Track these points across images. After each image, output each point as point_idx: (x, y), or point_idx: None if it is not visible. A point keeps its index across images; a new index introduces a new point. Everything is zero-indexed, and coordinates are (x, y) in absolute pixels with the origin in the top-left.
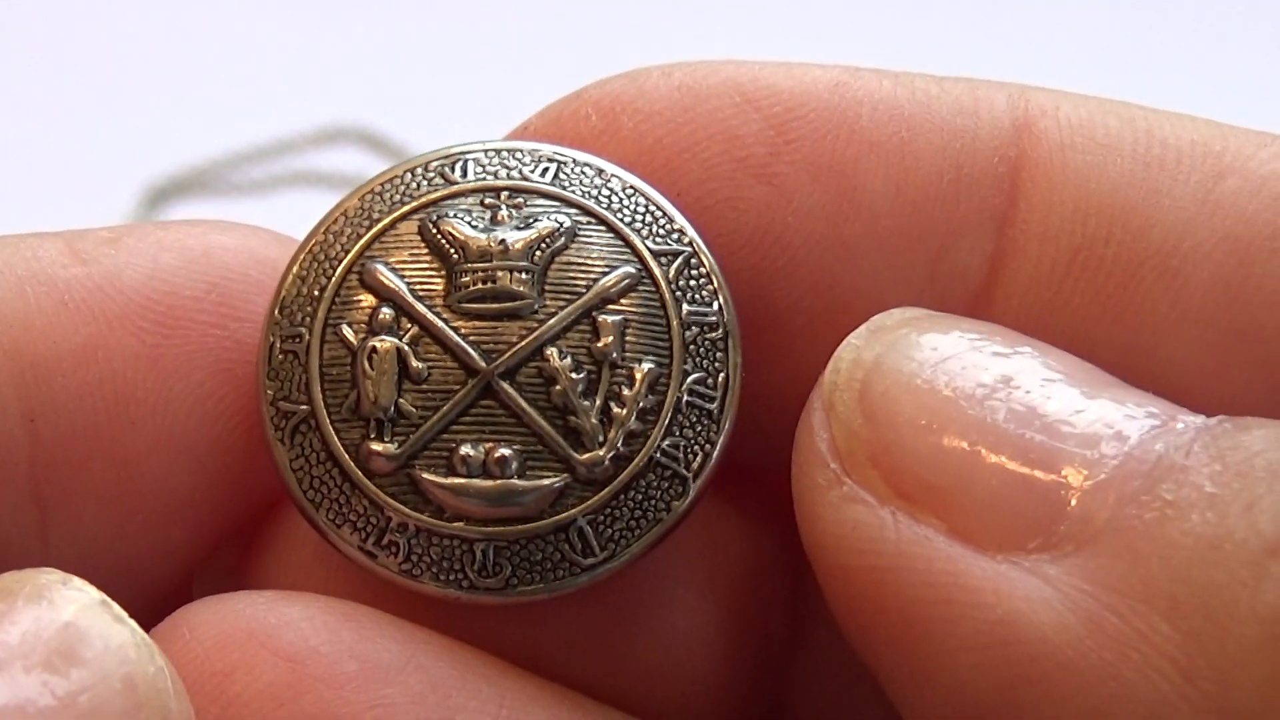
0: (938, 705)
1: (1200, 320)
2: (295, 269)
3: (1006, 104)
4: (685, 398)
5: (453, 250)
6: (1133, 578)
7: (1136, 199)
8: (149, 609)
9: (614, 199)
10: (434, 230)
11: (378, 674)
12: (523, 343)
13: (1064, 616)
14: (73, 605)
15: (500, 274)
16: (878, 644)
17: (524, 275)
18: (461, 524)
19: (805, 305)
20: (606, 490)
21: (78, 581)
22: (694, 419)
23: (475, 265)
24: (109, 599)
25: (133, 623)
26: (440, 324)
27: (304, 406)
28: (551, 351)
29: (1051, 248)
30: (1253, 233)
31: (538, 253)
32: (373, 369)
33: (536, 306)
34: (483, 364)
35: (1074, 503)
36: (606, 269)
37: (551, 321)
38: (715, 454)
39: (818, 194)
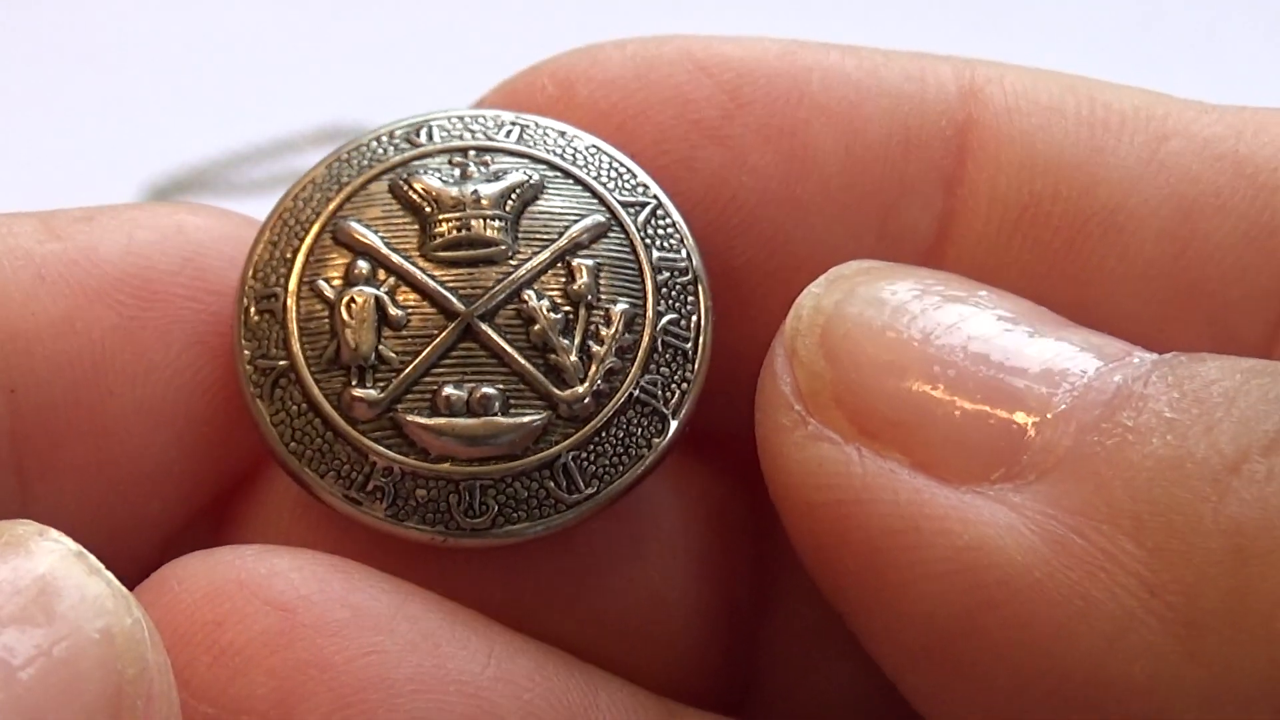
0: (904, 635)
1: (1146, 275)
2: (266, 235)
3: (952, 73)
4: (661, 337)
5: (425, 204)
6: (1097, 500)
7: (1082, 158)
8: (126, 579)
9: (578, 157)
10: (405, 187)
11: (369, 622)
12: (499, 286)
13: (1029, 540)
14: (49, 556)
15: (474, 222)
16: (844, 580)
17: (497, 223)
18: (447, 465)
19: (760, 262)
20: (589, 426)
21: (54, 533)
22: (670, 358)
23: (449, 215)
24: (85, 551)
25: (109, 574)
26: (417, 272)
27: (283, 361)
28: (529, 294)
29: (999, 206)
30: (1197, 190)
31: (509, 202)
32: (352, 318)
33: (511, 253)
34: (461, 307)
35: (1035, 433)
36: (577, 217)
37: (527, 265)
38: (691, 392)
39: (769, 154)
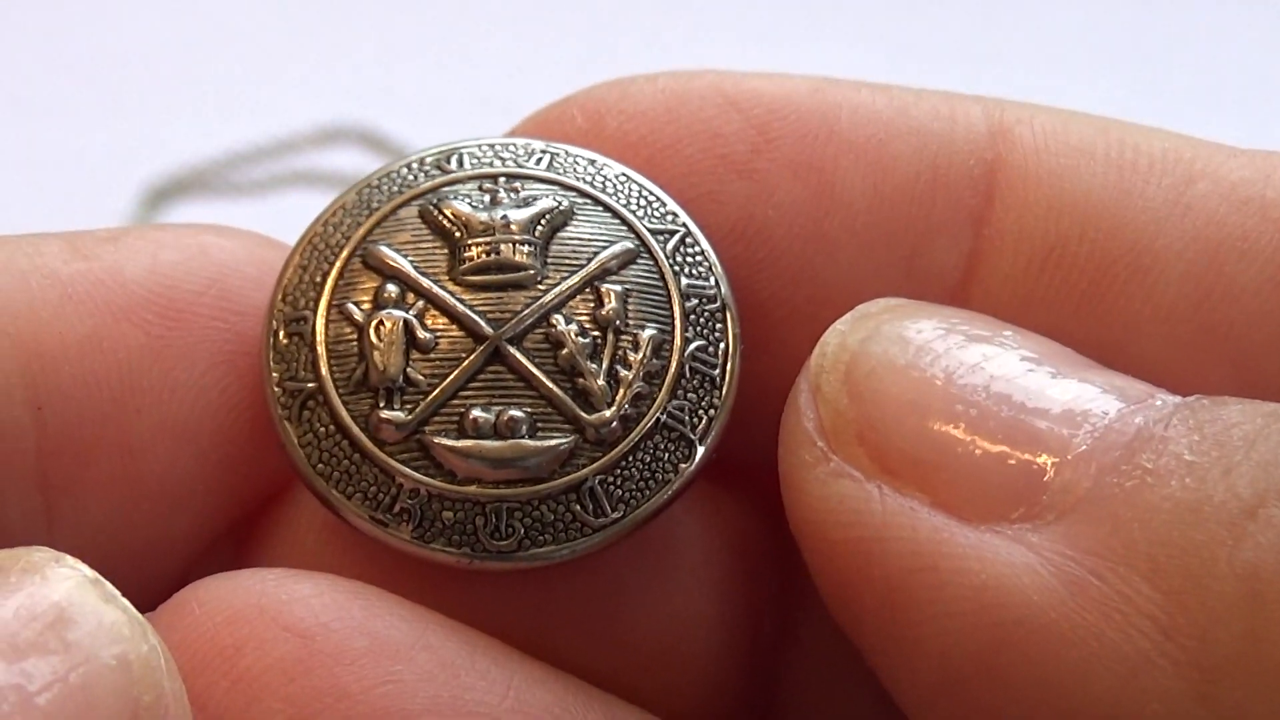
0: (922, 673)
1: (1172, 318)
2: (296, 259)
3: (982, 113)
4: (689, 363)
5: (455, 229)
6: (1114, 542)
7: (1109, 200)
8: (148, 598)
9: (608, 185)
10: (435, 212)
11: (388, 651)
12: (528, 310)
13: (1047, 580)
14: (65, 583)
15: (504, 246)
16: (863, 615)
17: (527, 248)
18: (474, 487)
19: (786, 297)
20: (616, 450)
21: (70, 560)
22: (698, 384)
23: (479, 240)
24: (101, 578)
25: (125, 601)
26: (445, 295)
27: (311, 384)
28: (557, 318)
29: (1026, 246)
30: (1223, 234)
31: (539, 227)
32: (380, 341)
33: (540, 277)
34: (490, 330)
35: (1055, 474)
36: (606, 243)
37: (556, 290)
38: (719, 418)
39: (797, 190)
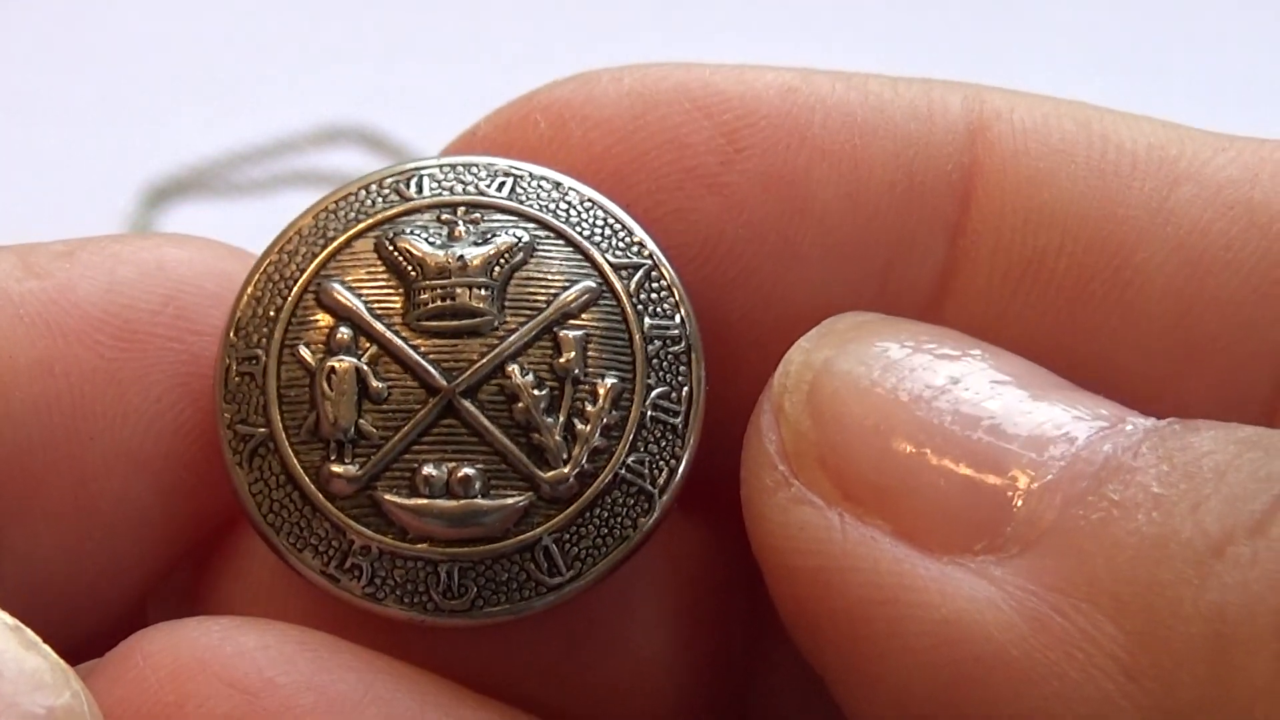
0: (882, 706)
1: (1152, 332)
2: (250, 290)
3: (961, 107)
4: (649, 413)
5: (410, 268)
6: (1078, 578)
7: (1089, 209)
8: (104, 626)
9: (572, 212)
10: (390, 248)
11: (335, 706)
12: (483, 360)
13: (1008, 616)
14: None
15: (459, 290)
16: (824, 645)
17: (483, 291)
18: (425, 545)
19: (757, 316)
20: (572, 508)
21: None
22: (659, 434)
23: (434, 282)
24: (22, 625)
25: (46, 648)
26: (399, 342)
27: (262, 429)
28: (513, 368)
29: (1003, 260)
30: (1206, 243)
31: (497, 268)
32: (331, 389)
33: (497, 323)
34: (444, 382)
35: (1020, 504)
36: (566, 284)
37: (512, 338)
38: (681, 469)
39: (769, 204)
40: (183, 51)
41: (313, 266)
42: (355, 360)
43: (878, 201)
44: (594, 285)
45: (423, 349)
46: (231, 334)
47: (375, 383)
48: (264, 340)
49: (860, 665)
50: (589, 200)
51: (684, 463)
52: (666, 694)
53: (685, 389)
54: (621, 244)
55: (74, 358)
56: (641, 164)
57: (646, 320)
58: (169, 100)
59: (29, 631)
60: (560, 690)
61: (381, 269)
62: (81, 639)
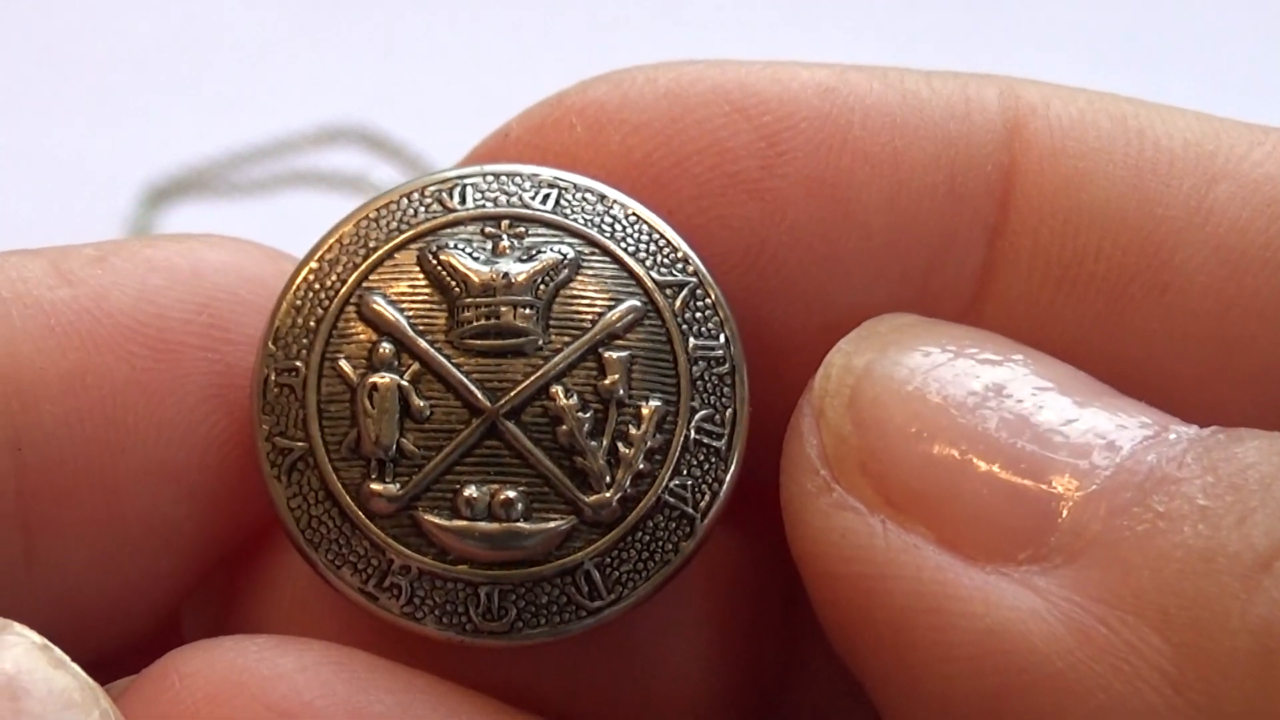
0: (924, 715)
1: (1191, 333)
2: (289, 298)
3: (998, 103)
4: (693, 435)
5: (454, 284)
6: (1123, 590)
7: (1128, 209)
8: (137, 637)
9: (617, 227)
10: (434, 261)
11: None
12: (528, 381)
13: (1053, 627)
14: (14, 650)
15: (504, 309)
16: (865, 653)
17: (528, 310)
18: (465, 567)
19: (799, 323)
20: (614, 532)
21: (18, 627)
22: (702, 458)
23: (478, 300)
24: (50, 644)
25: (75, 666)
26: (443, 360)
27: (301, 444)
28: (557, 390)
29: (1042, 262)
30: (1245, 243)
31: (541, 286)
32: (373, 407)
33: (541, 343)
34: (487, 403)
35: (1064, 514)
36: (612, 302)
37: (557, 359)
38: (723, 492)
39: (811, 209)
40: (183, 51)
41: (354, 277)
42: (397, 377)
43: (919, 204)
44: (639, 305)
45: (466, 368)
46: (270, 343)
47: (418, 401)
48: (304, 352)
49: (902, 674)
50: (633, 214)
51: (726, 486)
52: (704, 704)
53: (729, 410)
54: (666, 260)
55: (106, 369)
56: (682, 170)
57: (691, 341)
58: (169, 100)
59: (57, 650)
60: (599, 704)
61: (424, 283)
62: (115, 650)
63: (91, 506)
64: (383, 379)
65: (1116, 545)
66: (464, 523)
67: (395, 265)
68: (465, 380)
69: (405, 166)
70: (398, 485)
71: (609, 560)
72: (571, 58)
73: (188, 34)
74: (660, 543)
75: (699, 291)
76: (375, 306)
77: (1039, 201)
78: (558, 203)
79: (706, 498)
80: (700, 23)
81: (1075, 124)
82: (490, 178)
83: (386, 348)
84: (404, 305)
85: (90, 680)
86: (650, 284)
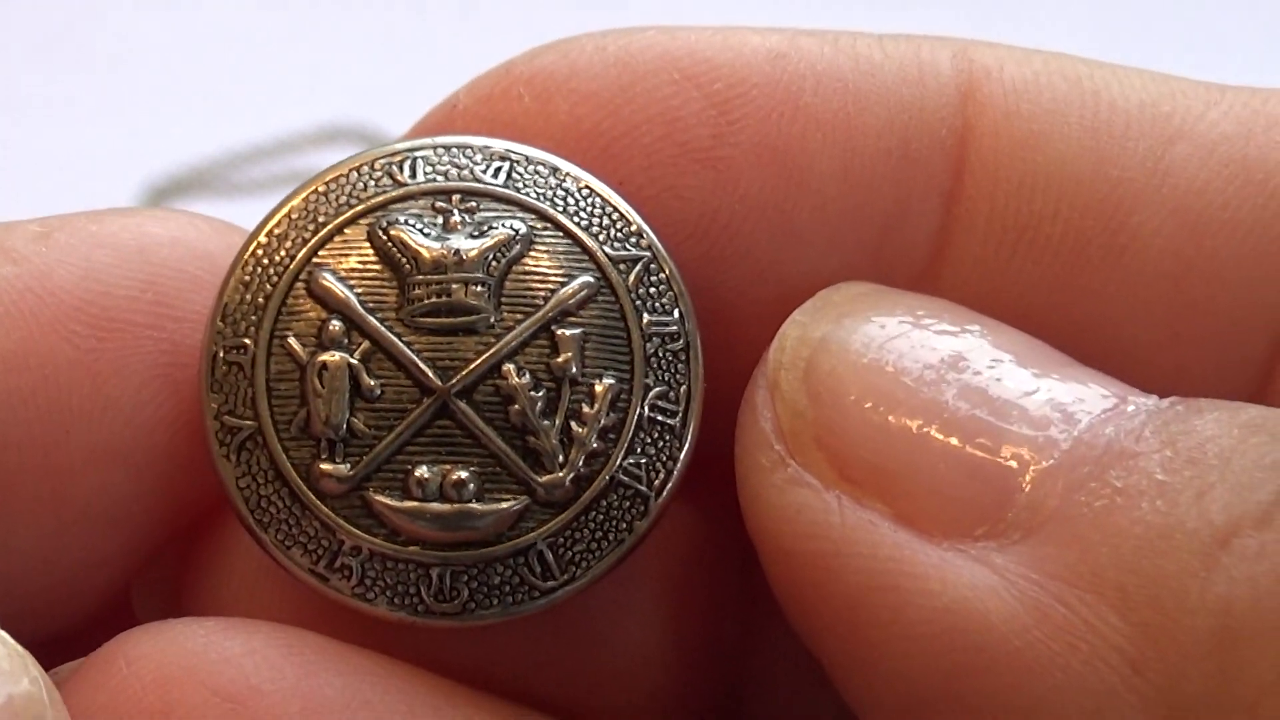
0: (881, 693)
1: (1150, 295)
2: (237, 274)
3: (951, 66)
4: (647, 413)
5: (405, 260)
6: (1081, 567)
7: (1083, 170)
8: (86, 619)
9: (569, 201)
10: (384, 237)
11: (322, 713)
12: (479, 359)
13: (1010, 605)
14: None
15: (455, 286)
16: (822, 630)
17: (479, 288)
18: (417, 547)
19: (753, 290)
20: (567, 512)
21: None
22: (656, 435)
23: (429, 277)
24: None
25: (4, 634)
26: (393, 339)
27: (250, 422)
28: (509, 368)
29: (998, 225)
30: (1203, 203)
31: (493, 262)
32: (323, 386)
33: (493, 320)
34: (438, 383)
35: (1021, 489)
36: (565, 278)
37: (509, 337)
38: (677, 470)
39: (763, 178)
40: (183, 51)
41: (303, 253)
42: (347, 356)
43: (873, 170)
44: (592, 280)
45: (417, 346)
46: (219, 320)
47: (368, 380)
48: (252, 329)
49: (859, 652)
50: (586, 187)
51: (680, 464)
52: (661, 679)
53: (683, 387)
54: (619, 234)
55: (50, 350)
56: (632, 139)
57: (645, 317)
58: (169, 100)
59: None
60: (554, 682)
61: (374, 259)
62: (64, 631)
63: (35, 488)
64: (332, 357)
65: (1074, 521)
66: (415, 503)
67: (345, 241)
68: (416, 359)
69: None
70: (348, 465)
71: (562, 540)
72: None
73: (188, 34)
74: (614, 522)
75: (653, 266)
76: (324, 283)
77: (994, 165)
78: (509, 176)
79: (661, 476)
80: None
81: (1030, 86)
82: (441, 150)
83: (336, 325)
84: (354, 282)
85: (20, 648)
86: (603, 259)
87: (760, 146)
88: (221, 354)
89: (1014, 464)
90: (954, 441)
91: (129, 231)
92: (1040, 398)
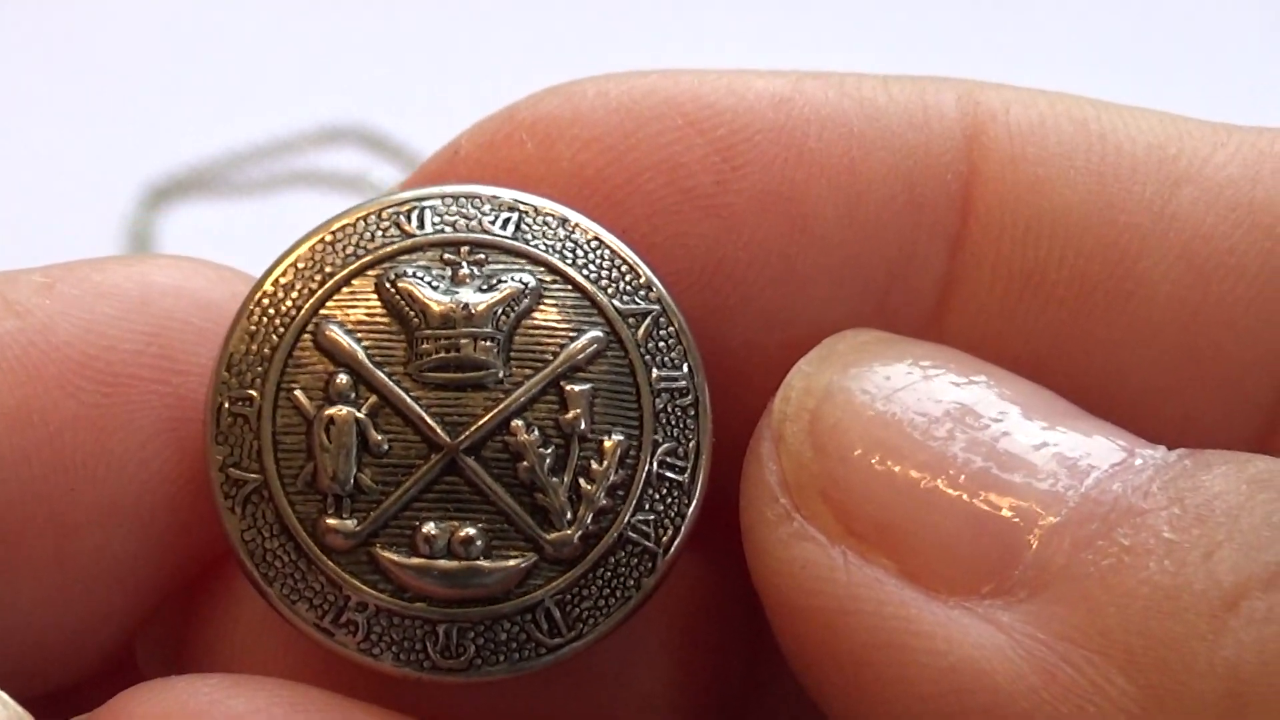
0: None
1: (1156, 340)
2: (243, 324)
3: (956, 109)
4: (655, 470)
5: (413, 314)
6: (1089, 628)
7: (1090, 216)
8: (89, 672)
9: (579, 253)
10: (392, 290)
11: None
12: (488, 416)
13: (1017, 666)
14: None
15: (464, 342)
16: (827, 685)
17: (488, 343)
18: (423, 604)
19: (759, 340)
20: (575, 570)
21: None
22: (664, 492)
23: (437, 332)
24: None
25: (4, 696)
26: (401, 394)
27: (256, 475)
28: (518, 424)
29: (1004, 271)
30: (1210, 249)
31: (502, 317)
32: (330, 441)
33: (502, 375)
34: (447, 439)
35: (1029, 546)
36: (574, 333)
37: (518, 393)
38: (685, 527)
39: (768, 225)
40: (183, 51)
41: (309, 304)
42: (355, 410)
43: (878, 216)
44: (601, 335)
45: (425, 402)
46: (224, 370)
47: (375, 435)
48: (258, 380)
49: (865, 709)
50: (595, 239)
51: (688, 520)
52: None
53: (691, 443)
54: (629, 288)
55: (54, 406)
56: (635, 187)
57: (654, 372)
58: (169, 100)
59: None
60: None
61: (382, 312)
62: (67, 686)
63: (39, 546)
64: (340, 412)
65: (1081, 580)
66: (422, 560)
67: (352, 292)
68: (424, 415)
69: (405, 166)
70: (355, 521)
71: (570, 598)
72: (571, 58)
73: (188, 34)
74: (622, 579)
75: (662, 320)
76: (331, 335)
77: (1000, 210)
78: (518, 227)
79: (669, 532)
80: (701, 26)
81: (1036, 129)
82: (449, 200)
83: (343, 379)
84: (361, 335)
85: (19, 709)
86: (613, 313)
87: (764, 193)
88: (227, 405)
89: (1021, 520)
90: (960, 496)
91: (132, 281)
92: (1048, 452)
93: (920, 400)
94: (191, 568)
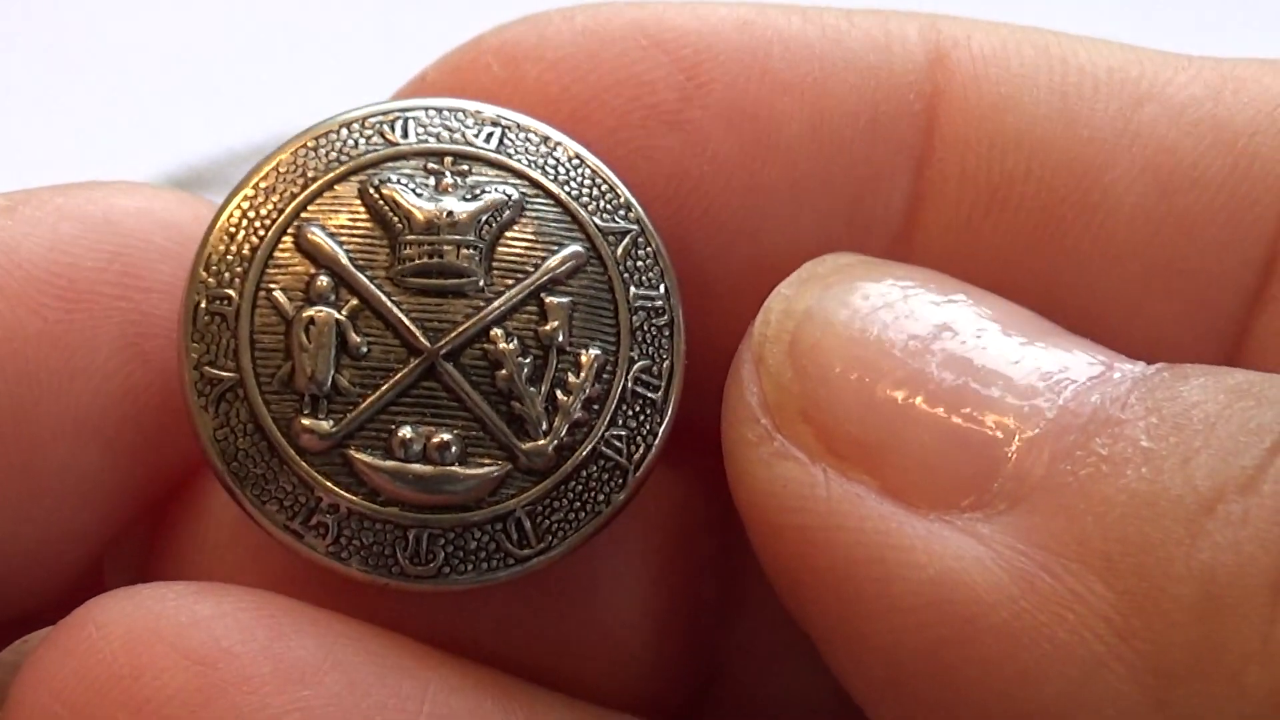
0: (869, 665)
1: (1122, 254)
2: (222, 224)
3: (918, 36)
4: (630, 386)
5: (396, 219)
6: (1067, 536)
7: (1054, 131)
8: (58, 590)
9: (560, 170)
10: (376, 195)
11: (294, 675)
12: (468, 323)
13: (997, 576)
14: None
15: (447, 248)
16: (809, 603)
17: (471, 251)
18: (396, 509)
19: (725, 255)
20: (547, 481)
21: None
22: (638, 409)
23: (420, 237)
24: None
25: None
26: (382, 297)
27: (231, 374)
28: (498, 333)
29: (970, 187)
30: (1174, 162)
31: (485, 227)
32: (309, 341)
33: (483, 284)
34: (426, 344)
35: (1007, 459)
36: (554, 247)
37: (498, 302)
38: (656, 445)
39: (732, 139)
40: (183, 51)
41: (291, 207)
42: (335, 312)
43: (842, 134)
44: (582, 250)
45: (406, 306)
46: (201, 269)
47: (355, 337)
48: (237, 280)
49: (847, 625)
50: (576, 158)
51: (660, 439)
52: (641, 646)
53: (666, 363)
54: (609, 206)
55: (17, 321)
56: (600, 102)
57: (632, 289)
58: (169, 100)
59: None
60: (531, 648)
61: (365, 217)
62: (35, 603)
63: (5, 461)
64: (320, 313)
65: (1060, 490)
66: (397, 464)
67: (335, 197)
68: (405, 319)
69: None
70: (330, 422)
71: (540, 509)
72: None
73: (188, 33)
74: (593, 493)
75: (640, 239)
76: (313, 238)
77: (964, 127)
78: (501, 141)
79: (640, 449)
80: None
81: (998, 52)
82: (433, 112)
83: (324, 281)
84: (343, 238)
85: None
86: (593, 229)
87: (728, 109)
88: (204, 304)
89: (999, 433)
90: (939, 412)
91: (95, 204)
92: (1026, 366)
93: (899, 319)
94: (158, 485)
